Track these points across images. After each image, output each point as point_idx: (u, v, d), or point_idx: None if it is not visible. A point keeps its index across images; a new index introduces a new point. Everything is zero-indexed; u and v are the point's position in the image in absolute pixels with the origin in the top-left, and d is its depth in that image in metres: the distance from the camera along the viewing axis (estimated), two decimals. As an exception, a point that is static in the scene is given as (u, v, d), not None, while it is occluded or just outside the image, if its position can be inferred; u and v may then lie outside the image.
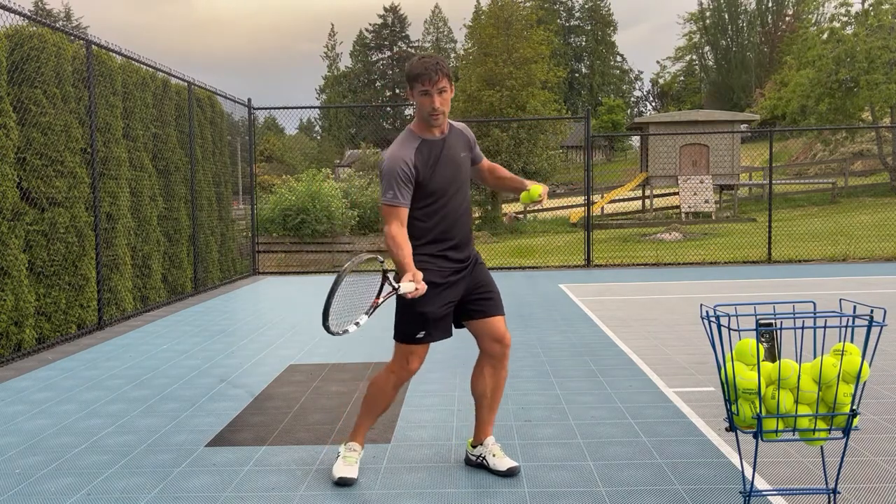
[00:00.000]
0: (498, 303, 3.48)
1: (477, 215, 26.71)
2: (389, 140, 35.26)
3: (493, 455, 3.51)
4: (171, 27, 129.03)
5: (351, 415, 4.45)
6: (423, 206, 3.31)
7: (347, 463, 3.45)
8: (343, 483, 3.39)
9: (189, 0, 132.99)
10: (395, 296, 3.17)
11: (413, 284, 3.10)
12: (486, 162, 3.71)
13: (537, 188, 3.44)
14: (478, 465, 3.56)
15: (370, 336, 6.72)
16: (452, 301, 3.36)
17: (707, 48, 67.93)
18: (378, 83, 77.04)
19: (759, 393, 2.67)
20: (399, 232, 3.20)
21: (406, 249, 3.18)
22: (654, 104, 75.84)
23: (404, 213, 3.24)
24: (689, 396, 4.67)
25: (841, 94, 26.79)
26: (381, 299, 3.16)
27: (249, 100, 12.82)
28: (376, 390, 3.46)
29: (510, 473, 3.45)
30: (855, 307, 2.82)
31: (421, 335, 3.31)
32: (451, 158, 3.37)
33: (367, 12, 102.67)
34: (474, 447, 3.59)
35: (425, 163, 3.28)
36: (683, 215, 25.46)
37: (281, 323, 7.76)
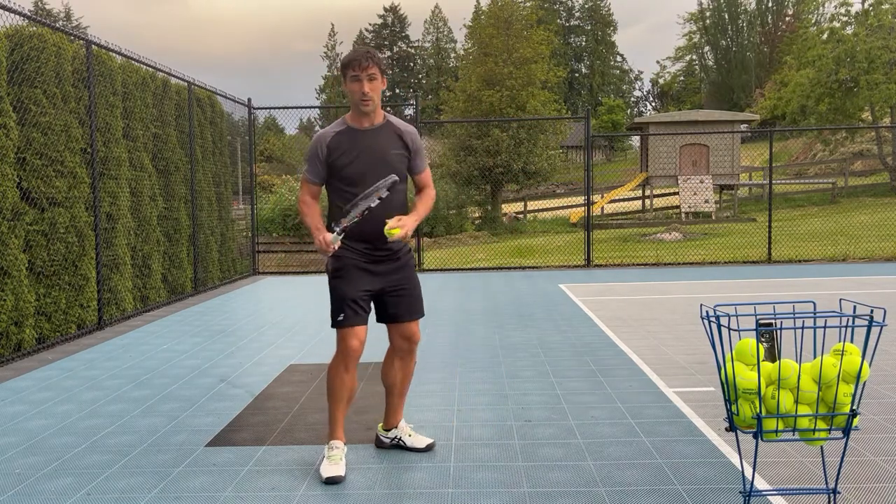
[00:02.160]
0: (414, 306, 3.66)
1: (477, 215, 26.70)
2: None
3: (409, 436, 3.81)
4: (170, 27, 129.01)
5: (351, 415, 4.45)
6: (342, 192, 3.46)
7: (332, 462, 3.48)
8: (332, 482, 3.40)
9: (186, 0, 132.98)
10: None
11: (333, 235, 3.36)
12: (422, 179, 3.68)
13: (393, 231, 3.34)
14: (393, 446, 3.82)
15: (370, 336, 6.71)
16: (369, 290, 3.51)
17: (707, 48, 67.93)
18: (378, 83, 76.86)
19: (759, 393, 2.67)
20: (306, 200, 3.53)
21: (312, 214, 3.49)
22: (654, 104, 75.85)
23: (315, 189, 3.53)
24: (689, 396, 4.67)
25: (841, 94, 26.78)
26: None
27: (249, 100, 12.82)
28: (332, 377, 3.55)
29: (429, 449, 3.76)
30: (855, 307, 2.82)
31: (341, 318, 3.46)
32: (376, 151, 3.46)
33: (367, 12, 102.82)
34: (388, 430, 3.84)
35: (342, 148, 3.44)
36: (683, 215, 25.47)
37: (281, 323, 7.76)
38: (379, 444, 3.87)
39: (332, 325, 3.51)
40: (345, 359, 3.50)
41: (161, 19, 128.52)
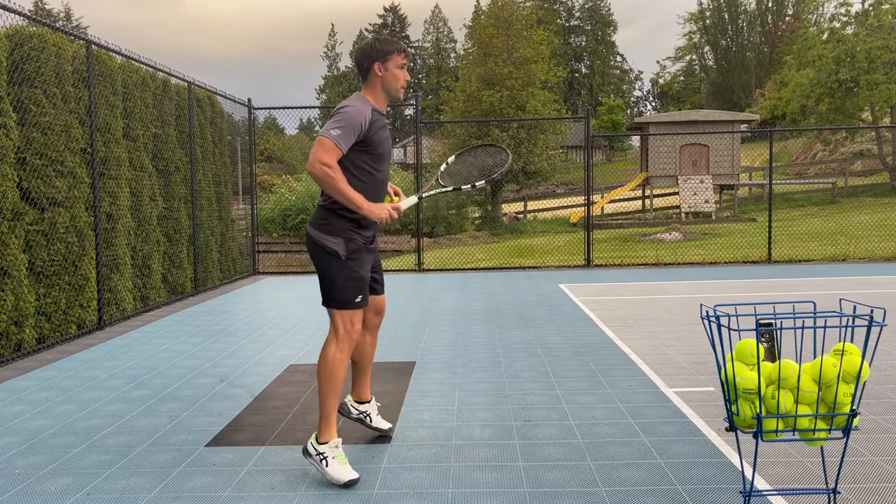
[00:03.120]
0: (383, 281, 3.88)
1: (477, 215, 26.70)
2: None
3: (378, 415, 3.98)
4: (168, 27, 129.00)
5: (351, 415, 4.45)
6: (369, 168, 3.50)
7: (341, 462, 3.41)
8: (352, 484, 3.36)
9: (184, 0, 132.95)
10: (326, 263, 3.50)
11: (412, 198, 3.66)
12: None
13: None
14: (357, 420, 3.95)
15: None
16: (370, 266, 3.66)
17: (707, 48, 67.92)
18: (378, 83, 76.85)
19: (759, 393, 2.67)
20: (337, 167, 3.33)
21: (347, 185, 3.36)
22: (654, 104, 75.85)
23: (339, 156, 3.36)
24: (689, 396, 4.67)
25: (841, 94, 26.78)
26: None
27: (249, 100, 12.82)
28: (335, 365, 3.46)
29: (388, 434, 3.96)
30: (855, 307, 2.82)
31: (359, 299, 3.52)
32: (388, 135, 3.64)
33: (367, 12, 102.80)
34: (360, 403, 3.94)
35: (375, 128, 3.50)
36: (683, 215, 25.47)
37: (281, 323, 7.76)
38: (345, 414, 3.94)
39: (345, 307, 3.47)
40: (350, 343, 3.51)
41: (158, 19, 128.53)
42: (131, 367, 5.89)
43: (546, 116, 25.90)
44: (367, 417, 3.93)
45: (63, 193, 7.04)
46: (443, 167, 3.89)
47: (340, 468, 3.38)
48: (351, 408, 3.94)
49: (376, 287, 3.79)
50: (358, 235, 3.51)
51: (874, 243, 14.65)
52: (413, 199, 3.65)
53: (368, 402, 3.95)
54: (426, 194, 3.72)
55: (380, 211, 3.42)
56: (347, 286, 3.47)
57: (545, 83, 27.33)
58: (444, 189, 3.80)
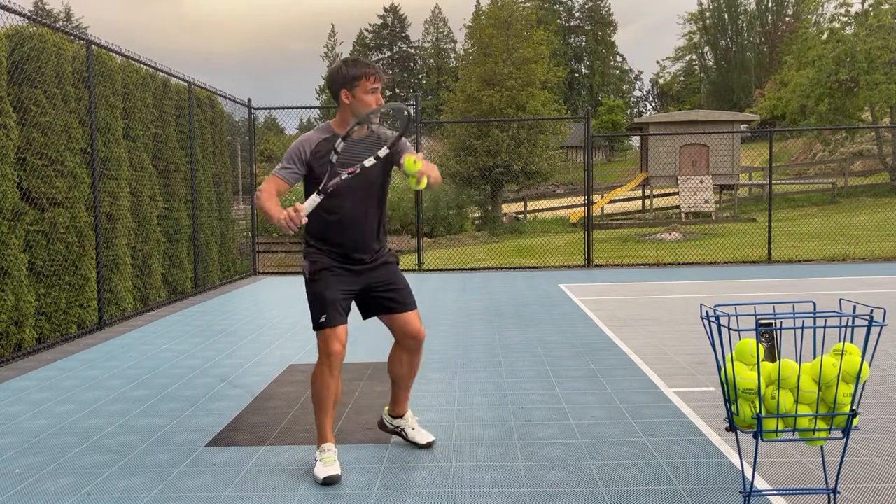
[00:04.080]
0: (407, 300, 3.63)
1: (477, 215, 26.69)
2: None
3: (413, 429, 3.84)
4: (168, 27, 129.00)
5: (351, 415, 4.45)
6: (321, 202, 3.38)
7: (326, 463, 3.47)
8: (329, 482, 3.40)
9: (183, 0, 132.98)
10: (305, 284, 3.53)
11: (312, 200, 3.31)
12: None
13: (417, 165, 3.24)
14: (393, 433, 3.88)
15: (369, 337, 6.72)
16: (350, 290, 3.52)
17: (707, 48, 67.88)
18: (378, 83, 76.88)
19: (759, 393, 2.67)
20: (266, 188, 3.39)
21: (265, 198, 3.34)
22: (654, 104, 75.83)
23: (282, 185, 3.43)
24: (689, 396, 4.67)
25: (841, 94, 26.78)
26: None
27: (249, 100, 12.82)
28: (318, 384, 3.51)
29: (428, 447, 3.80)
30: (855, 307, 2.82)
31: (323, 319, 3.44)
32: (357, 160, 3.38)
33: (367, 12, 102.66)
34: (394, 418, 3.87)
35: (323, 155, 3.38)
36: (683, 215, 25.47)
37: (281, 323, 7.76)
38: (382, 427, 3.92)
39: (315, 328, 3.48)
40: (329, 363, 3.46)
41: (158, 19, 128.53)
42: (131, 367, 5.89)
43: (546, 116, 25.90)
44: (403, 432, 3.86)
45: (63, 193, 7.04)
46: (333, 157, 3.34)
47: (322, 468, 3.46)
48: (385, 422, 3.91)
49: (393, 305, 3.60)
50: (323, 256, 3.48)
51: (874, 243, 14.65)
52: (315, 198, 3.29)
53: (402, 416, 3.85)
54: (330, 186, 3.29)
55: (277, 220, 3.22)
56: (313, 306, 3.50)
57: (545, 83, 27.33)
58: (342, 176, 3.29)
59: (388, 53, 76.84)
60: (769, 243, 12.98)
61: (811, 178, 31.57)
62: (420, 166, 3.24)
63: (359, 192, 3.47)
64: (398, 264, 3.71)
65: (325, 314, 3.44)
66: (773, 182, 16.03)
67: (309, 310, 3.52)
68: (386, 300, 3.60)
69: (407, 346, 3.68)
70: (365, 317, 3.73)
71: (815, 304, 2.99)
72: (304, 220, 3.27)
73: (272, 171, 3.48)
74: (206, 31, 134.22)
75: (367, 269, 3.55)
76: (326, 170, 3.34)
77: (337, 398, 3.58)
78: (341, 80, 3.41)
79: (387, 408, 3.94)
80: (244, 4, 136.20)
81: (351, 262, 3.52)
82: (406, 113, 3.47)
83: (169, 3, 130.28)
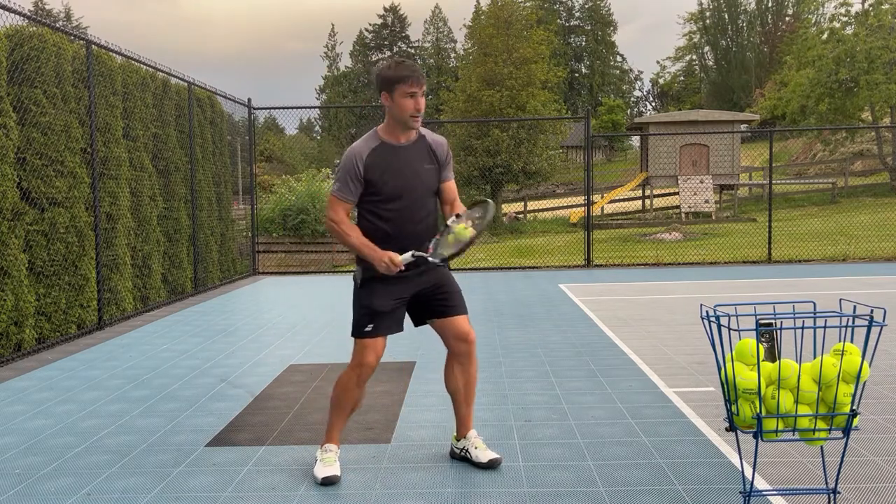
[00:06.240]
0: (457, 302, 3.58)
1: (477, 215, 26.63)
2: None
3: (476, 448, 3.60)
4: (168, 27, 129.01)
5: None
6: (375, 208, 3.38)
7: (327, 464, 3.46)
8: (328, 482, 3.39)
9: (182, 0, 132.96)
10: (353, 288, 3.47)
11: (407, 254, 3.28)
12: (450, 187, 3.60)
13: (466, 232, 3.28)
14: (461, 457, 3.65)
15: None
16: (402, 297, 3.45)
17: (707, 48, 67.89)
18: (378, 83, 76.93)
19: (759, 393, 2.67)
20: (343, 219, 3.37)
21: (356, 233, 3.36)
22: (654, 104, 75.82)
23: (349, 208, 3.40)
24: (689, 396, 4.67)
25: (841, 94, 26.78)
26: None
27: (249, 100, 12.82)
28: (341, 389, 3.49)
29: (491, 465, 3.53)
30: (855, 307, 2.82)
31: (369, 328, 3.40)
32: (410, 166, 3.39)
33: (367, 12, 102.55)
34: (458, 440, 3.68)
35: (378, 165, 3.35)
36: (683, 215, 25.46)
37: (281, 323, 7.76)
38: (452, 455, 3.71)
39: (355, 335, 3.42)
40: (360, 373, 3.42)
41: (158, 19, 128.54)
42: (131, 367, 5.89)
43: (546, 116, 25.89)
44: (467, 453, 3.61)
45: (63, 193, 7.04)
46: (409, 258, 3.32)
47: (321, 467, 3.46)
48: (453, 447, 3.71)
49: (444, 309, 3.52)
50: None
51: (874, 243, 14.65)
52: (408, 256, 3.30)
53: (465, 437, 3.64)
54: (418, 254, 3.29)
55: (379, 261, 3.24)
56: (359, 313, 3.43)
57: (545, 83, 27.32)
58: (434, 262, 3.30)
59: (388, 53, 76.83)
60: (769, 243, 12.98)
61: (811, 178, 31.57)
62: (470, 234, 3.26)
63: (415, 193, 3.41)
64: (449, 267, 3.62)
65: (371, 324, 3.38)
66: (774, 182, 16.03)
67: (352, 314, 3.45)
68: (438, 304, 3.52)
69: (458, 352, 3.56)
70: (417, 324, 3.63)
71: (815, 304, 2.99)
72: (402, 269, 3.30)
73: (332, 193, 3.38)
74: (206, 30, 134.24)
75: (417, 273, 3.45)
76: (384, 182, 3.34)
77: (357, 406, 3.54)
78: (382, 82, 3.34)
79: (453, 435, 3.73)
80: (244, 4, 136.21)
81: (407, 269, 3.41)
82: (489, 215, 3.39)
83: (169, 3, 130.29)
